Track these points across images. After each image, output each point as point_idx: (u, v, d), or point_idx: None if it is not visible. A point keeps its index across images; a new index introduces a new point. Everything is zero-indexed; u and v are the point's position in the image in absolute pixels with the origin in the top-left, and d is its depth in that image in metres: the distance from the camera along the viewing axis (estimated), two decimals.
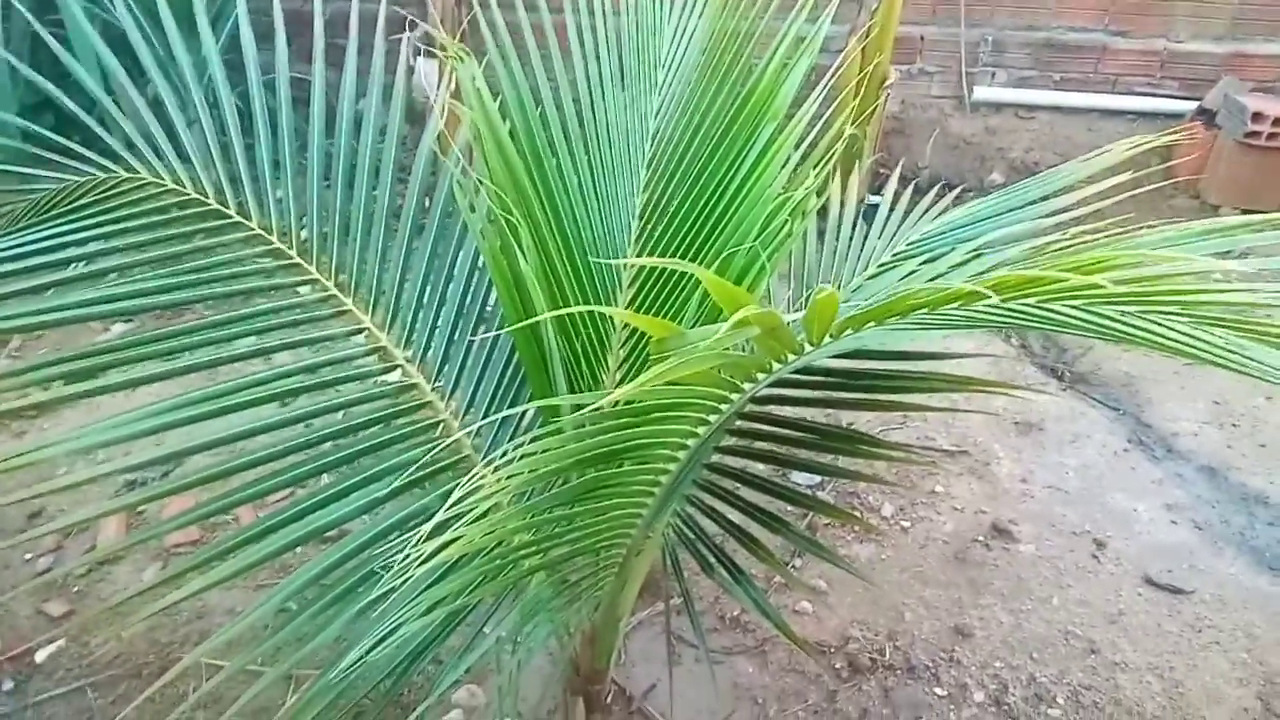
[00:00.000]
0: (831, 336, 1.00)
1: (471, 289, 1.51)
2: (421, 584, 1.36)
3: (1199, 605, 1.97)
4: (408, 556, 1.25)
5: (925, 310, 0.91)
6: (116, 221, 1.33)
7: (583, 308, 1.40)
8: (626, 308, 1.52)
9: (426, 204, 1.52)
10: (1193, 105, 3.88)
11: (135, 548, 2.05)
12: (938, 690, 1.80)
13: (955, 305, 0.86)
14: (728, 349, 0.95)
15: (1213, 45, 3.89)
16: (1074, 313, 0.87)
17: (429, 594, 1.31)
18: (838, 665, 1.86)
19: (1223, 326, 0.80)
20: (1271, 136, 3.51)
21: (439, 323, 1.48)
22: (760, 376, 1.06)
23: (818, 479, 2.34)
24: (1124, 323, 0.84)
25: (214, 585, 1.25)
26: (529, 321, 1.28)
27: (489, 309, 1.52)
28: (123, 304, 1.30)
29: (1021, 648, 1.88)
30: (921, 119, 4.27)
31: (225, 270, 1.33)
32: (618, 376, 1.49)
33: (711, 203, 1.35)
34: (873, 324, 0.97)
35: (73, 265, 1.32)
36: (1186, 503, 2.26)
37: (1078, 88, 4.13)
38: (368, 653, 1.40)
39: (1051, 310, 0.88)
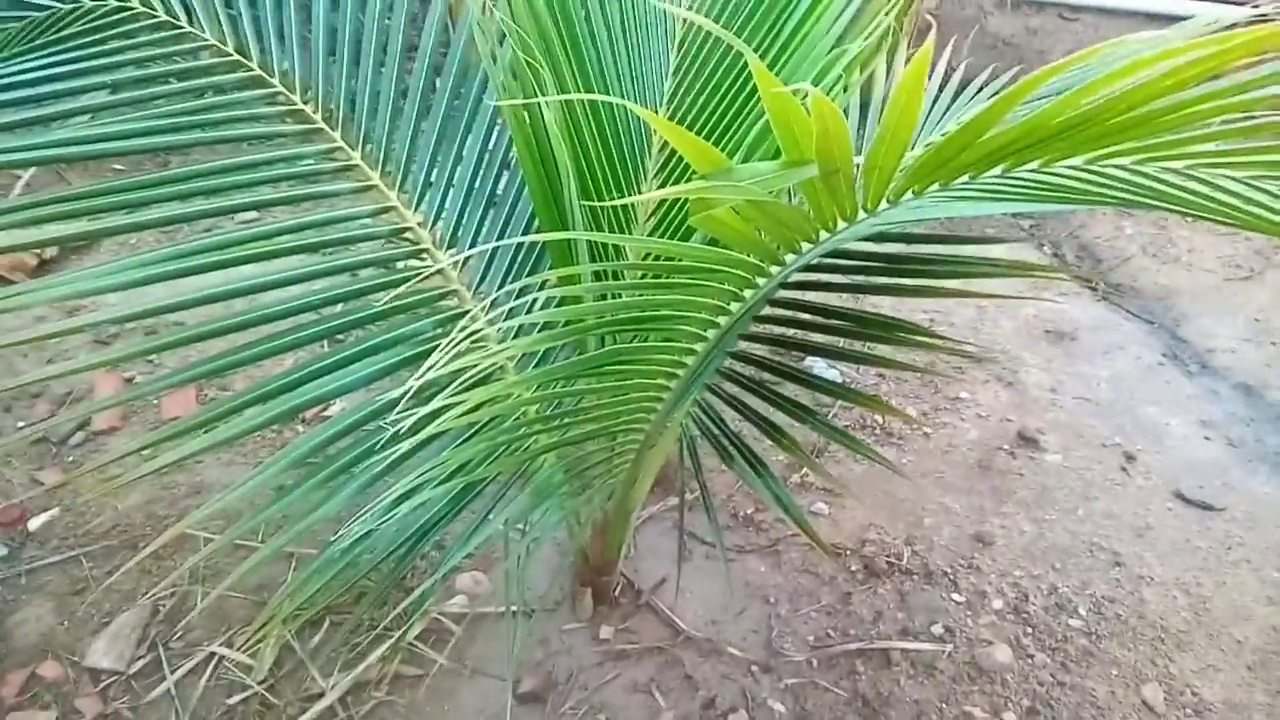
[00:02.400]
0: (889, 201, 0.90)
1: (488, 154, 1.40)
2: (433, 454, 1.29)
3: (1229, 523, 1.90)
4: (399, 416, 1.18)
5: (995, 159, 0.81)
6: (111, 54, 1.22)
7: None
8: (656, 182, 1.41)
9: (438, 70, 1.40)
10: (1246, 10, 3.67)
11: (133, 421, 1.99)
12: (955, 596, 1.75)
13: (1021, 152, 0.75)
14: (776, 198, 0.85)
15: None
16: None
17: (441, 461, 1.24)
18: (853, 568, 1.81)
19: None
20: None
21: (453, 184, 1.37)
22: (805, 248, 0.96)
23: (839, 378, 2.25)
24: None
25: (208, 449, 1.18)
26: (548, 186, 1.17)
27: (503, 183, 1.42)
28: (118, 143, 1.19)
29: (1044, 558, 1.82)
30: (959, 16, 4.05)
31: (226, 113, 1.22)
32: (643, 255, 1.39)
33: (759, 54, 1.23)
34: (937, 183, 0.87)
35: (63, 99, 1.21)
36: (1220, 419, 2.18)
37: None
38: (372, 530, 1.34)
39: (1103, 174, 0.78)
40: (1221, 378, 2.32)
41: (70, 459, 1.91)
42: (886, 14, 1.30)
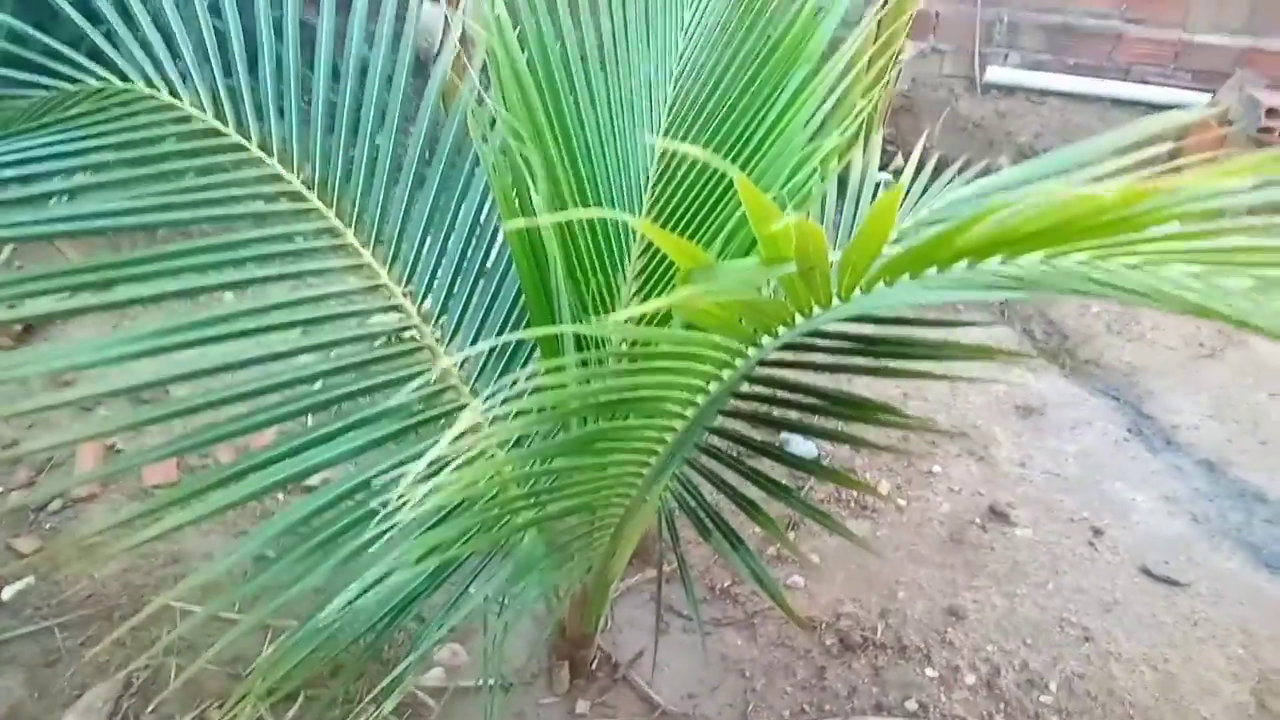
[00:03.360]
0: (861, 290, 0.95)
1: (475, 237, 1.44)
2: (411, 532, 1.31)
3: (1195, 598, 1.94)
4: (399, 500, 1.20)
5: (963, 257, 0.86)
6: (113, 134, 1.26)
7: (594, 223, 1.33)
8: (639, 263, 1.46)
9: (428, 155, 1.45)
10: (1206, 98, 3.83)
11: (112, 489, 1.99)
12: (929, 671, 1.77)
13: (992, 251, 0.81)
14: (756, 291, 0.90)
15: (1229, 39, 3.84)
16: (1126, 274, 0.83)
17: (420, 542, 1.26)
18: (828, 642, 1.83)
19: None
20: None
21: (440, 267, 1.41)
22: (781, 331, 1.01)
23: (815, 452, 2.29)
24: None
25: (190, 523, 1.19)
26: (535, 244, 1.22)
27: (489, 263, 1.46)
28: (113, 220, 1.23)
29: (1015, 632, 1.85)
30: (931, 98, 4.20)
31: (223, 193, 1.26)
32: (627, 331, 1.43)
33: (736, 149, 1.29)
34: (908, 274, 0.91)
35: (63, 176, 1.25)
36: (1185, 495, 2.23)
37: (1091, 74, 4.07)
38: (352, 601, 1.35)
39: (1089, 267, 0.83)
40: (1185, 454, 2.38)
41: (48, 526, 1.90)
42: (864, 106, 1.37)
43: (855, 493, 2.17)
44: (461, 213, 1.40)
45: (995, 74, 4.14)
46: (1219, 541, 2.10)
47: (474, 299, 1.42)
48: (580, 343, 1.36)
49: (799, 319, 0.98)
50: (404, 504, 1.19)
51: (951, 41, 4.16)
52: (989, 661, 1.78)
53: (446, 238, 1.40)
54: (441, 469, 1.06)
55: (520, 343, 1.45)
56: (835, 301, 0.96)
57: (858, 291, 0.94)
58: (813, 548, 2.03)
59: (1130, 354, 2.76)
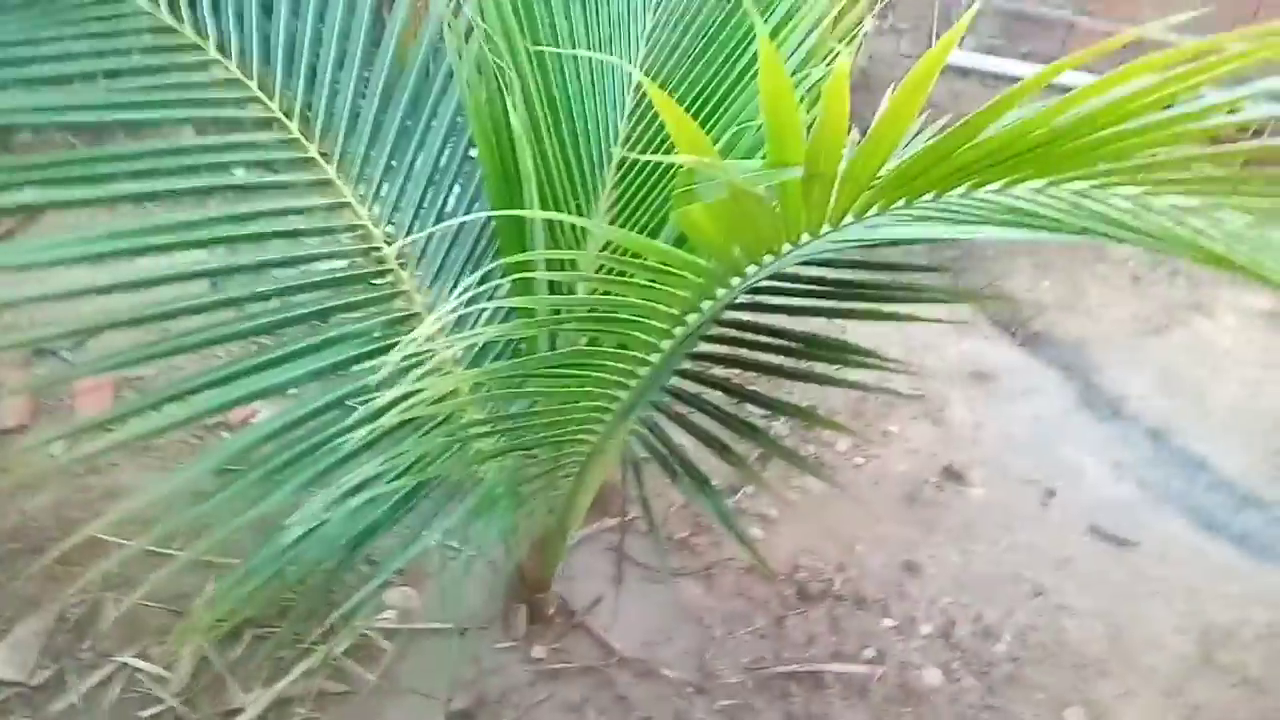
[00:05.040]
0: (854, 217, 0.93)
1: (445, 154, 1.39)
2: (375, 456, 1.26)
3: (1142, 557, 1.97)
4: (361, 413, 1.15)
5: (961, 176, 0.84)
6: (75, 24, 1.18)
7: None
8: (614, 194, 1.42)
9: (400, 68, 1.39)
10: None
11: (41, 420, 1.89)
12: (886, 621, 1.77)
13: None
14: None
15: (1175, 35, 3.92)
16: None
17: (389, 461, 1.21)
18: (786, 592, 1.82)
19: None
20: None
21: (408, 186, 1.36)
22: (767, 260, 0.98)
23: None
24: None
25: (121, 444, 1.12)
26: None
27: (461, 179, 1.41)
28: (54, 116, 1.15)
29: (970, 586, 1.86)
30: (888, 76, 4.22)
31: (176, 92, 1.19)
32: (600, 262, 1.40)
33: (718, 78, 1.26)
34: (902, 202, 0.89)
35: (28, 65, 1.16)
36: (1132, 461, 2.27)
37: (1043, 62, 4.12)
38: (302, 538, 1.30)
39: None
40: (1132, 423, 2.43)
41: None
42: (844, 43, 1.35)
43: (814, 449, 2.16)
44: (431, 132, 1.34)
45: (952, 56, 4.17)
46: (1164, 506, 2.15)
47: (440, 223, 1.37)
48: (551, 273, 1.32)
49: (786, 247, 0.96)
50: (358, 423, 1.14)
51: (909, 20, 4.18)
52: (945, 613, 1.79)
53: (414, 158, 1.35)
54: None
55: (489, 272, 1.41)
56: (825, 228, 0.93)
57: (849, 219, 0.92)
58: (768, 501, 2.02)
59: (1079, 327, 2.81)
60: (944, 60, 0.65)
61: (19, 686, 1.43)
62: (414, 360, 1.11)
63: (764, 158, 0.80)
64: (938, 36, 4.28)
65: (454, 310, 1.27)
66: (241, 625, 1.52)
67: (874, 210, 0.90)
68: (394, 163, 1.35)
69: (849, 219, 0.91)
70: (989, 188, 0.87)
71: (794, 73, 1.33)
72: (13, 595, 1.54)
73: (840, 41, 1.25)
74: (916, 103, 0.70)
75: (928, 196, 0.88)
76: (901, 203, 0.89)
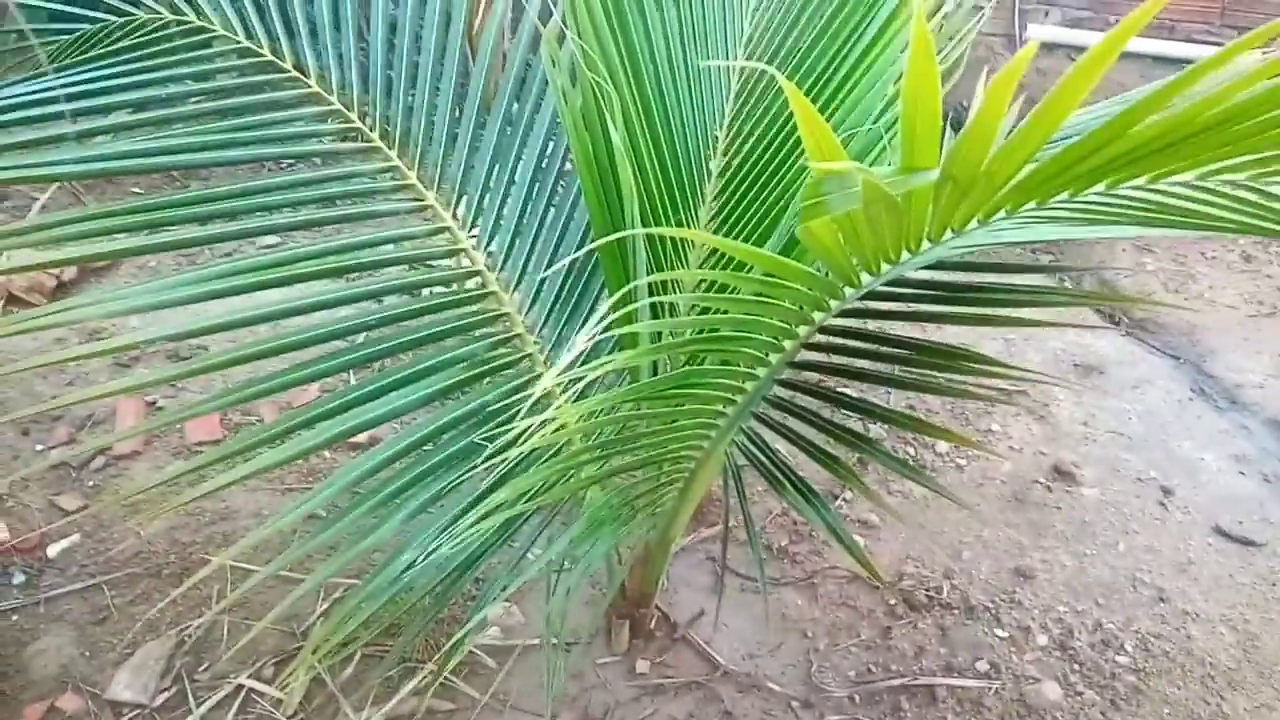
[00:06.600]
0: (979, 221, 0.88)
1: (541, 173, 1.38)
2: (471, 491, 1.26)
3: (1272, 558, 1.87)
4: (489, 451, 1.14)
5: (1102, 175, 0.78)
6: (161, 68, 1.19)
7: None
8: (714, 205, 1.39)
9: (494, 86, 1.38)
10: (1261, 58, 3.70)
11: (155, 447, 1.94)
12: (999, 631, 1.71)
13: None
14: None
15: None
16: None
17: (489, 500, 1.20)
18: (891, 602, 1.77)
19: None
20: None
21: (505, 206, 1.35)
22: (884, 267, 0.94)
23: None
24: None
25: (237, 482, 1.13)
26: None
27: (558, 196, 1.39)
28: (159, 159, 1.17)
29: (1086, 593, 1.79)
30: (970, 56, 4.09)
31: (280, 130, 1.19)
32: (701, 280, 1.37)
33: (822, 81, 1.22)
34: (1032, 204, 0.84)
35: (109, 114, 1.18)
36: (1254, 455, 2.16)
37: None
38: (415, 562, 1.30)
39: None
40: (1251, 413, 2.31)
41: (91, 484, 1.86)
42: (961, 38, 1.30)
43: (914, 452, 2.10)
44: (528, 149, 1.33)
45: (1035, 31, 4.01)
46: None
47: (539, 241, 1.35)
48: (653, 290, 1.29)
49: (905, 255, 0.91)
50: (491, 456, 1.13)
51: None
52: (1061, 622, 1.73)
53: (512, 176, 1.33)
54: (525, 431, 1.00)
55: (585, 289, 1.39)
56: (947, 234, 0.89)
57: (973, 224, 0.87)
58: (869, 508, 1.97)
59: (1188, 313, 2.68)
60: (1118, 50, 0.59)
61: (141, 709, 1.47)
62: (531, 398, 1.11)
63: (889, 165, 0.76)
64: (1020, 14, 4.12)
65: (579, 354, 1.26)
66: (353, 645, 1.54)
67: (1001, 214, 0.85)
68: (491, 184, 1.34)
69: (973, 223, 0.86)
70: (1134, 182, 0.81)
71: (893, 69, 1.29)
72: (133, 619, 1.58)
73: (950, 40, 1.19)
74: (1076, 98, 0.64)
75: (1062, 196, 0.82)
76: (1032, 204, 0.84)
